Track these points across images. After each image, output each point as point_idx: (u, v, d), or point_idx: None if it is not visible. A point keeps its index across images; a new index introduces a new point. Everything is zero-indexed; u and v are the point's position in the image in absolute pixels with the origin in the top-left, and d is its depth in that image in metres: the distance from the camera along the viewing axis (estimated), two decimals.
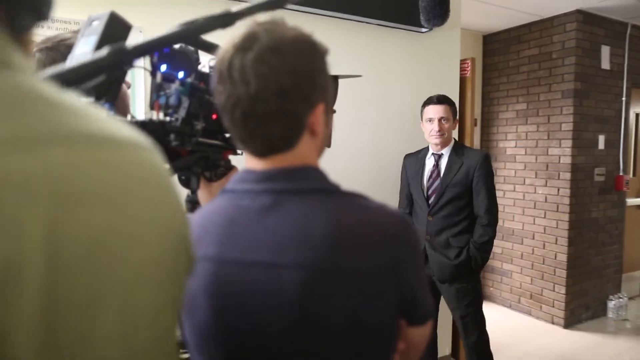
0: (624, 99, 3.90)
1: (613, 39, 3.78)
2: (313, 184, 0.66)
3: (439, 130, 2.27)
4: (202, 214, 0.71)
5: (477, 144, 4.22)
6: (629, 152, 4.12)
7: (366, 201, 0.68)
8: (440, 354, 2.91)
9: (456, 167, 2.28)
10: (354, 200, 0.67)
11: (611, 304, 3.91)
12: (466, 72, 2.84)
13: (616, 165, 3.94)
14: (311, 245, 0.61)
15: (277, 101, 0.62)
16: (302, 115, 0.65)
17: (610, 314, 3.92)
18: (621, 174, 3.95)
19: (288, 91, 0.61)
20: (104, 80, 0.80)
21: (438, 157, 2.36)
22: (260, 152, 0.67)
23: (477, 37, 4.22)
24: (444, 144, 2.32)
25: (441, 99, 2.31)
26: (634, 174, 4.31)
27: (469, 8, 3.38)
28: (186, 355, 1.21)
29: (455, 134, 2.84)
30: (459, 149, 2.35)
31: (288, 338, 0.61)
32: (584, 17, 3.57)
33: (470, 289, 2.31)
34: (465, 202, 2.27)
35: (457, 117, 2.43)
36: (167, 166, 0.42)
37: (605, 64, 3.74)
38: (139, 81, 1.79)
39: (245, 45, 0.61)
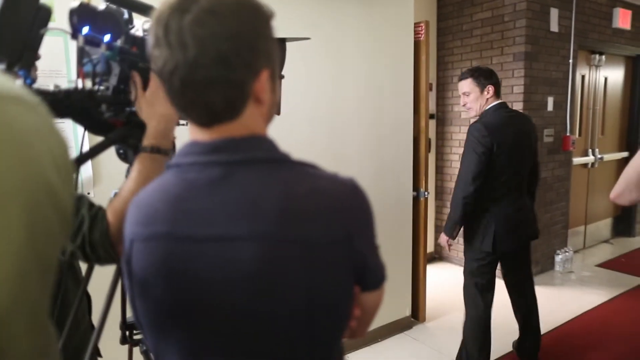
0: (571, 61, 4.02)
1: (561, 1, 3.85)
2: (262, 154, 0.63)
3: (463, 104, 2.37)
4: (148, 191, 0.67)
5: (432, 108, 4.26)
6: (575, 113, 4.28)
7: (317, 170, 0.66)
8: (400, 315, 3.01)
9: None
10: (305, 170, 0.65)
11: (558, 258, 4.15)
12: (420, 35, 2.81)
13: (563, 126, 4.10)
14: (263, 216, 0.59)
15: (217, 68, 0.58)
16: (245, 82, 0.61)
17: (557, 267, 4.16)
18: (568, 134, 4.11)
19: (228, 57, 0.58)
20: (18, 46, 0.72)
21: None
22: (203, 122, 0.63)
23: (430, 0, 4.19)
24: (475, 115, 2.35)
25: (460, 76, 2.37)
26: (579, 134, 4.51)
27: None
28: (139, 337, 1.18)
29: (409, 98, 2.83)
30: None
31: (245, 311, 0.60)
32: None
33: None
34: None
35: (484, 85, 2.29)
36: (48, 123, 0.41)
37: (554, 27, 3.82)
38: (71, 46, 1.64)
39: (182, 6, 0.57)
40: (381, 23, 2.66)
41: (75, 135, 1.71)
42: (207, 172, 0.62)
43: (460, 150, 4.15)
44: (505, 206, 2.27)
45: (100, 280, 1.06)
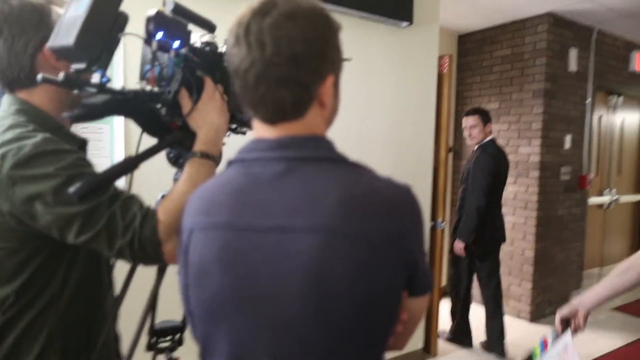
0: (588, 100, 4.07)
1: (580, 42, 3.93)
2: (324, 153, 0.67)
3: (469, 135, 3.12)
4: (209, 185, 0.71)
5: (450, 141, 4.29)
6: (592, 153, 4.30)
7: (373, 172, 0.69)
8: (412, 348, 2.95)
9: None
10: (362, 171, 0.68)
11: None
12: (444, 68, 2.88)
13: (580, 164, 4.10)
14: (323, 210, 0.61)
15: (289, 67, 0.62)
16: (312, 84, 0.65)
17: None
18: (585, 173, 4.11)
19: (300, 59, 0.63)
20: (98, 47, 0.76)
21: None
22: (270, 118, 0.67)
23: (452, 36, 4.30)
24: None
25: (468, 112, 3.13)
26: (596, 174, 4.50)
27: (446, 7, 3.44)
28: (166, 344, 1.18)
29: (430, 129, 2.89)
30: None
31: (300, 302, 0.61)
32: (555, 20, 3.69)
33: None
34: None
35: (486, 122, 3.09)
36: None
37: (573, 66, 3.89)
38: (132, 49, 1.71)
39: (263, 10, 0.63)
40: (407, 54, 2.73)
41: (112, 144, 1.76)
42: (270, 166, 0.65)
43: None
44: (494, 217, 3.07)
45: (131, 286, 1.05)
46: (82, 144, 0.95)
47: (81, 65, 0.75)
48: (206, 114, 0.91)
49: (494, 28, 4.02)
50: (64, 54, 0.75)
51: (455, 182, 4.39)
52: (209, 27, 0.98)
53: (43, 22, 0.87)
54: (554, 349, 1.32)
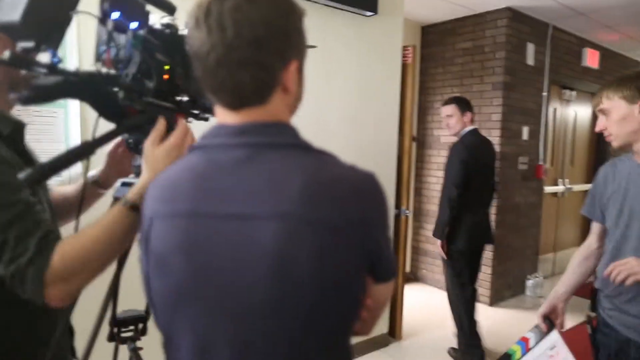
0: (544, 94, 4.23)
1: (537, 37, 4.07)
2: (287, 139, 0.66)
3: (446, 125, 2.89)
4: (172, 171, 0.70)
5: (413, 130, 4.37)
6: (547, 144, 4.48)
7: (337, 159, 0.68)
8: (377, 333, 3.01)
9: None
10: (326, 157, 0.67)
11: (529, 283, 4.26)
12: (408, 58, 2.91)
13: (537, 155, 4.27)
14: (286, 196, 0.60)
15: (250, 50, 0.62)
16: (275, 69, 0.65)
17: (528, 292, 4.27)
18: (541, 163, 4.29)
19: (262, 42, 0.62)
20: (47, 26, 0.72)
21: None
22: (231, 103, 0.66)
23: (416, 27, 4.35)
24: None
25: (445, 101, 2.90)
26: (551, 164, 4.70)
27: None
28: (129, 334, 1.14)
29: (394, 118, 2.91)
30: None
31: (264, 289, 0.60)
32: (513, 15, 3.80)
33: None
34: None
35: (464, 111, 2.84)
36: None
37: (530, 60, 4.02)
38: (87, 28, 1.63)
39: None
40: (371, 44, 2.75)
41: (67, 128, 1.68)
42: (232, 153, 0.64)
43: (440, 174, 4.29)
44: (473, 214, 2.79)
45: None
46: (16, 126, 0.87)
47: (29, 44, 0.71)
48: (162, 159, 0.82)
49: (457, 20, 4.10)
50: (9, 31, 0.71)
51: (418, 172, 4.48)
52: (169, 8, 0.95)
53: None
54: (539, 348, 1.33)
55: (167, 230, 0.65)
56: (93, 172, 1.09)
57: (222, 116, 0.68)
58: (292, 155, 0.64)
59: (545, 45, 4.16)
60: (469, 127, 2.83)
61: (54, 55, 0.72)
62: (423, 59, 4.40)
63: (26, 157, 0.90)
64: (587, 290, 1.61)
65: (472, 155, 2.72)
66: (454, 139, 2.88)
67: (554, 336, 1.34)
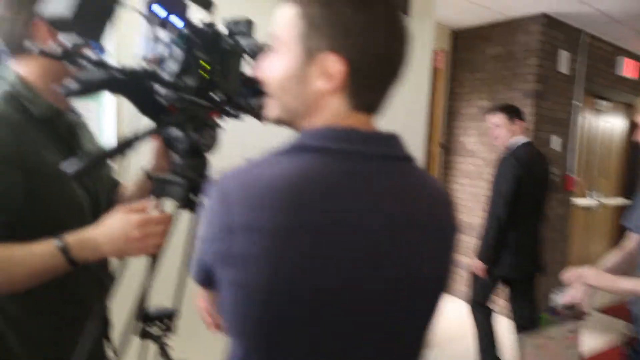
0: (577, 103, 4.11)
1: (570, 44, 3.97)
2: (407, 152, 0.68)
3: (494, 136, 2.65)
4: (288, 176, 0.58)
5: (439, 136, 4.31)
6: (578, 155, 4.36)
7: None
8: None
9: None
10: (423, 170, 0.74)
11: (553, 296, 4.13)
12: (439, 63, 2.87)
13: (566, 166, 4.16)
14: (415, 209, 0.64)
15: (403, 61, 0.66)
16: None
17: (551, 305, 4.14)
18: (571, 174, 4.17)
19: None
20: (92, 18, 0.73)
21: None
22: (374, 105, 0.66)
23: (446, 31, 4.30)
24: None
25: (491, 108, 2.69)
26: (581, 176, 4.57)
27: (441, 1, 3.43)
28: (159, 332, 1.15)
29: (422, 124, 2.87)
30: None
31: (386, 301, 0.63)
32: (547, 21, 3.72)
33: None
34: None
35: (513, 120, 2.62)
36: None
37: (563, 68, 3.92)
38: (129, 25, 1.64)
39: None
40: None
41: (100, 123, 1.71)
42: (368, 163, 0.62)
43: (465, 181, 4.22)
44: (523, 236, 2.52)
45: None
46: (51, 110, 0.93)
47: (77, 38, 0.72)
48: (123, 231, 0.81)
49: (488, 26, 4.03)
50: (59, 25, 0.71)
51: (444, 178, 4.42)
52: (207, 4, 0.95)
53: None
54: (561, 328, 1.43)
55: (292, 245, 0.56)
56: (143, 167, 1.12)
57: (352, 118, 0.64)
58: (412, 167, 0.68)
59: (579, 53, 4.06)
60: (521, 138, 2.59)
61: (100, 49, 0.72)
62: (452, 65, 4.33)
63: (65, 143, 0.96)
64: (619, 309, 1.55)
65: (526, 171, 2.46)
66: (488, 150, 2.83)
67: (577, 324, 1.46)
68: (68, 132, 1.01)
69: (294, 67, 0.62)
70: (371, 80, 0.63)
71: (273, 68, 0.65)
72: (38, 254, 0.79)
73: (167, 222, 0.85)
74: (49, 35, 0.83)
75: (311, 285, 0.57)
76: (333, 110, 0.63)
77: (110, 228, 0.81)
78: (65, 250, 0.79)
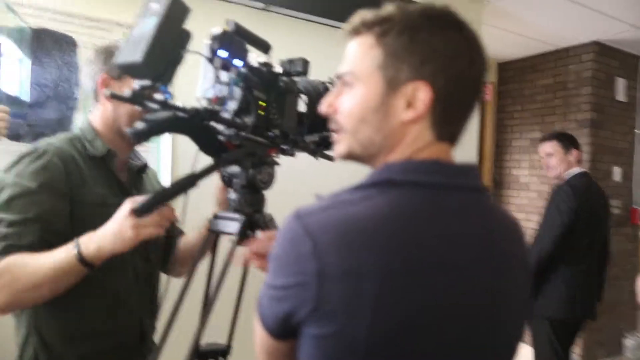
0: (638, 131, 3.90)
1: (627, 71, 3.81)
2: (483, 183, 0.66)
3: (546, 166, 2.48)
4: (388, 213, 0.54)
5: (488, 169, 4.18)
6: None
7: None
8: None
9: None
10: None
11: (628, 343, 3.79)
12: (487, 95, 2.83)
13: (630, 198, 3.90)
14: (502, 242, 0.63)
15: (483, 87, 0.66)
16: None
17: (627, 354, 3.79)
18: (636, 207, 3.90)
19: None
20: (162, 64, 0.77)
21: None
22: (453, 135, 0.64)
23: (492, 64, 4.25)
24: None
25: (544, 137, 2.52)
26: None
27: (485, 34, 3.41)
28: None
29: (472, 158, 2.79)
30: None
31: (509, 333, 0.63)
32: (600, 49, 3.60)
33: None
34: None
35: (568, 148, 2.44)
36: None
37: (620, 96, 3.75)
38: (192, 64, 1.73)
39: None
40: None
41: (158, 162, 1.78)
42: (457, 196, 0.60)
43: (519, 216, 4.04)
44: (573, 272, 2.29)
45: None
46: (108, 152, 1.03)
47: (146, 82, 0.76)
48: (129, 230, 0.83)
49: (536, 56, 3.95)
50: (131, 70, 0.75)
51: None
52: (265, 47, 0.98)
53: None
54: None
55: (410, 288, 0.52)
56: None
57: (436, 150, 0.61)
58: (488, 198, 0.65)
59: (637, 80, 3.88)
60: (577, 169, 2.39)
61: (166, 91, 0.76)
62: (500, 96, 4.25)
63: (115, 180, 1.05)
64: None
65: (583, 203, 2.24)
66: (542, 180, 2.69)
67: None
68: (129, 173, 1.11)
69: (375, 99, 0.60)
70: (454, 107, 0.61)
71: (349, 102, 0.62)
72: (61, 273, 0.84)
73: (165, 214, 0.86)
74: (126, 84, 0.97)
75: (420, 329, 0.53)
76: (416, 141, 0.61)
77: (110, 220, 0.85)
78: (88, 264, 0.84)
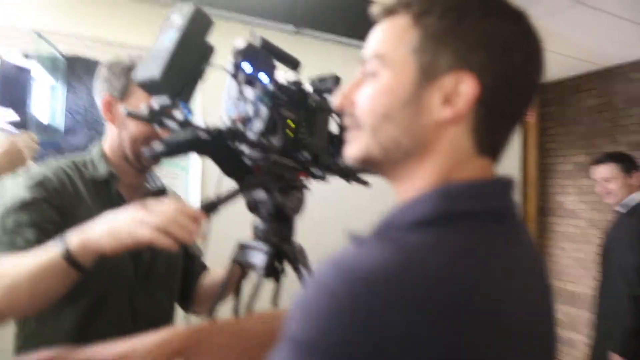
0: None
1: None
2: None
3: (605, 192, 2.23)
4: (458, 259, 0.42)
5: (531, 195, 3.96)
6: None
7: None
8: None
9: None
10: None
11: None
12: (530, 116, 2.68)
13: None
14: (542, 269, 0.54)
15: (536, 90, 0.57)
16: None
17: None
18: None
19: None
20: (182, 80, 0.71)
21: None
22: (498, 146, 0.53)
23: None
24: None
25: (597, 159, 2.29)
26: None
27: None
28: None
29: (516, 184, 2.63)
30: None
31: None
32: None
33: None
34: None
35: (629, 171, 2.21)
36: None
37: None
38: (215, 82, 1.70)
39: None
40: None
41: (187, 189, 1.74)
42: (501, 222, 0.49)
43: (566, 245, 3.77)
44: None
45: None
46: (111, 174, 0.98)
47: (165, 100, 0.70)
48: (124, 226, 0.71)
49: (578, 77, 3.76)
50: (148, 86, 0.70)
51: (540, 242, 4.00)
52: (293, 63, 0.92)
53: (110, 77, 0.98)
54: None
55: (500, 348, 0.44)
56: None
57: (481, 167, 0.51)
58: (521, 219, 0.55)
59: None
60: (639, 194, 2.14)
61: (186, 109, 0.70)
62: (541, 119, 4.06)
63: (113, 201, 0.97)
64: None
65: None
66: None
67: None
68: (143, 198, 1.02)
69: (405, 89, 0.48)
70: (501, 112, 0.50)
71: (371, 93, 0.50)
72: (42, 265, 0.72)
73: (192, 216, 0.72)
74: (142, 100, 0.90)
75: None
76: (453, 151, 0.49)
77: (112, 215, 0.73)
78: (75, 263, 0.71)
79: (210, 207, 0.74)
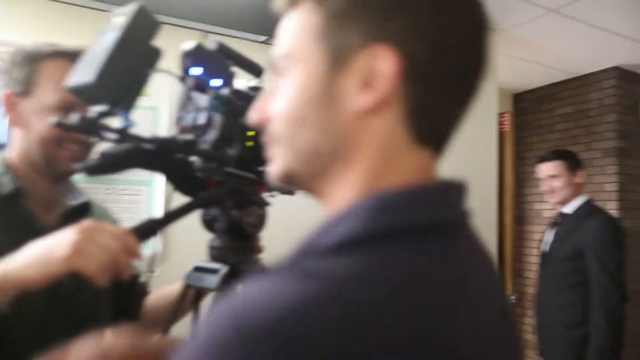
0: None
1: None
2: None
3: (549, 189, 2.13)
4: (408, 287, 0.34)
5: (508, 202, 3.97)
6: None
7: None
8: None
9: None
10: None
11: None
12: (505, 126, 2.68)
13: None
14: (496, 281, 0.46)
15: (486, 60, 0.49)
16: None
17: None
18: None
19: None
20: (122, 87, 0.64)
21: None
22: (443, 135, 0.43)
23: (507, 94, 4.11)
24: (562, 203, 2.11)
25: (543, 157, 2.19)
26: None
27: (500, 63, 3.29)
28: None
29: (492, 191, 2.62)
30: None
31: None
32: (622, 74, 3.45)
33: None
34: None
35: (574, 169, 2.11)
36: None
37: None
38: (162, 87, 1.62)
39: None
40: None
41: (150, 206, 1.65)
42: (448, 236, 0.40)
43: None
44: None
45: None
46: (17, 188, 0.84)
47: (102, 107, 0.62)
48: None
49: (552, 85, 3.81)
50: (82, 93, 0.62)
51: (517, 250, 3.99)
52: (256, 70, 0.86)
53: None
54: None
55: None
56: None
57: (425, 169, 0.42)
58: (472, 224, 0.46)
59: None
60: (583, 197, 2.07)
61: (126, 118, 0.62)
62: (517, 128, 4.09)
63: (32, 225, 0.84)
64: None
65: (623, 237, 1.92)
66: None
67: None
68: (62, 216, 0.90)
69: (317, 83, 0.40)
70: (439, 84, 0.40)
71: (284, 98, 0.42)
72: None
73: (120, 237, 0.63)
74: (15, 104, 0.84)
75: None
76: (383, 144, 0.39)
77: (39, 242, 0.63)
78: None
79: (145, 233, 0.66)
